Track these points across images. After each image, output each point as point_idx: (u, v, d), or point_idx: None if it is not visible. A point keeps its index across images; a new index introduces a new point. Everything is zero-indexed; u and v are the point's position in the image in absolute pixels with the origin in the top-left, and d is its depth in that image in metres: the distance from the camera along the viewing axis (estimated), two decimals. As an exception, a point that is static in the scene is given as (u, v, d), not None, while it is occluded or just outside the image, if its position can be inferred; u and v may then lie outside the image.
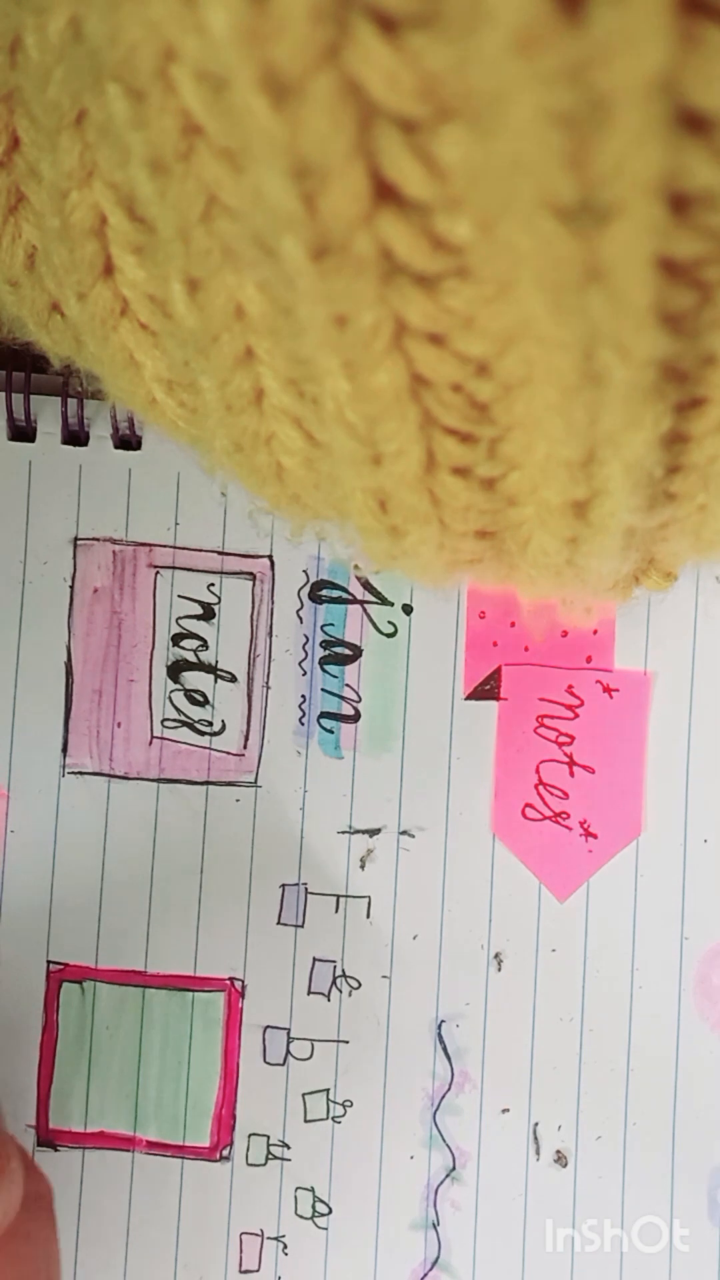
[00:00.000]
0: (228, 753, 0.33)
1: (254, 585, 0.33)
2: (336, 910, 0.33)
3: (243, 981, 0.33)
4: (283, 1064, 0.33)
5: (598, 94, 0.13)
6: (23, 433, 0.33)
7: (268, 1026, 0.33)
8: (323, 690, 0.33)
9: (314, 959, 0.33)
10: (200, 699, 0.33)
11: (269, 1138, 0.33)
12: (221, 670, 0.33)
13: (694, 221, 0.15)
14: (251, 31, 0.13)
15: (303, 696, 0.33)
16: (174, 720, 0.33)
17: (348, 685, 0.33)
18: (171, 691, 0.33)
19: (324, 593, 0.33)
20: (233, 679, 0.33)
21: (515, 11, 0.12)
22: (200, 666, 0.33)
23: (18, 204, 0.21)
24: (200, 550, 0.33)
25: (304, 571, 0.33)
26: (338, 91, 0.14)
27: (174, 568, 0.33)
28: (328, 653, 0.33)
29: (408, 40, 0.13)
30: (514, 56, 0.13)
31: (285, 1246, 0.32)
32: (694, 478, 0.20)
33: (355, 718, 0.33)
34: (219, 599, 0.33)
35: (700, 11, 0.13)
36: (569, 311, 0.15)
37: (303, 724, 0.33)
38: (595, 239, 0.14)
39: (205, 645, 0.33)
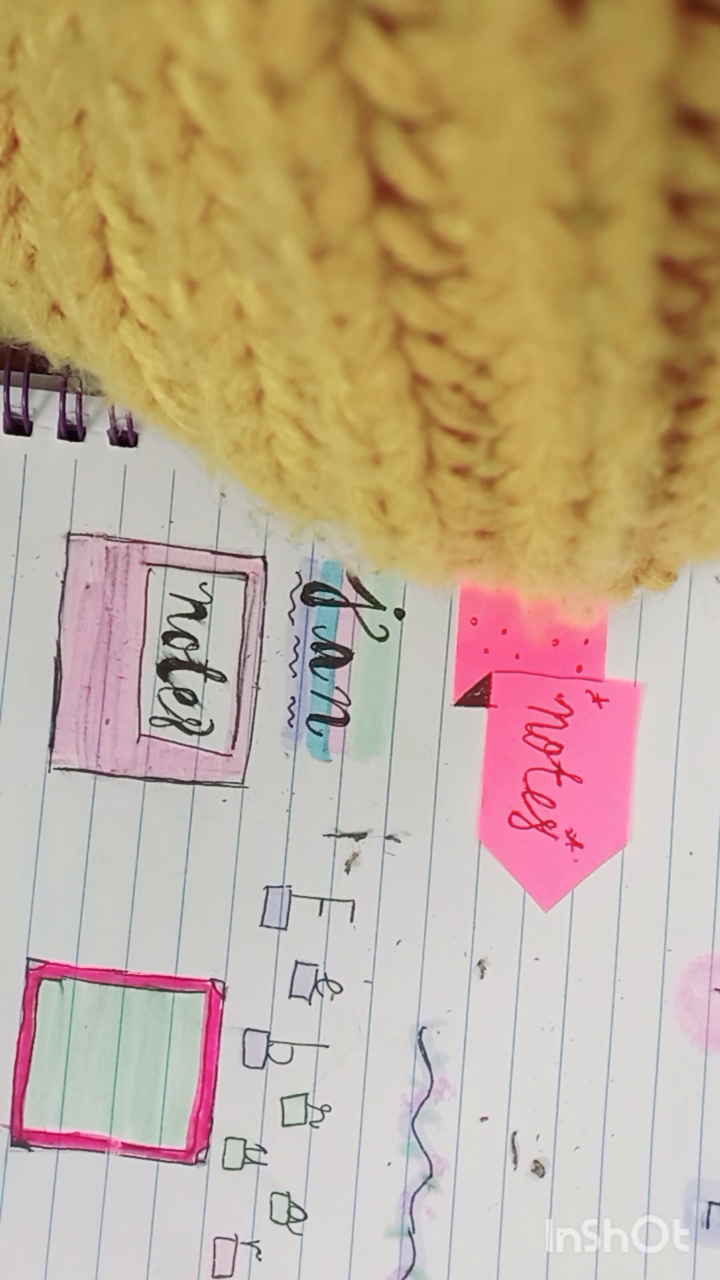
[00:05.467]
0: (215, 752, 0.33)
1: (246, 585, 0.33)
2: (320, 913, 0.33)
3: (224, 983, 0.33)
4: (262, 1067, 0.33)
5: (597, 94, 0.13)
6: (19, 427, 0.33)
7: (248, 1029, 0.33)
8: (312, 692, 0.33)
9: (296, 962, 0.33)
10: (189, 698, 0.33)
11: (246, 1141, 0.33)
12: (211, 670, 0.33)
13: (694, 221, 0.15)
14: (251, 32, 0.13)
15: (292, 698, 0.33)
16: (162, 719, 0.33)
17: (338, 688, 0.33)
18: (161, 690, 0.33)
19: (316, 595, 0.33)
20: (222, 679, 0.33)
21: (515, 12, 0.12)
22: (190, 665, 0.33)
23: (17, 204, 0.21)
24: (193, 549, 0.33)
25: (297, 573, 0.33)
26: (337, 92, 0.14)
27: (167, 565, 0.33)
28: (318, 655, 0.33)
29: (407, 40, 0.13)
30: (514, 56, 0.13)
31: (259, 1252, 0.32)
32: (694, 477, 0.19)
33: (344, 721, 0.33)
34: (211, 598, 0.33)
35: (700, 11, 0.13)
36: (569, 312, 0.15)
37: (291, 726, 0.33)
38: (595, 239, 0.14)
39: (196, 644, 0.33)
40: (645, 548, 0.23)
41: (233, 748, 0.33)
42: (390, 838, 0.33)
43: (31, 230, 0.22)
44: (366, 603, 0.33)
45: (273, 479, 0.22)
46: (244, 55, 0.14)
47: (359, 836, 0.33)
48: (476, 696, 0.33)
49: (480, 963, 0.33)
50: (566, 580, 0.23)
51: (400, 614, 0.33)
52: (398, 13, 0.13)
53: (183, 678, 0.33)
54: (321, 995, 0.33)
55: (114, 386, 0.23)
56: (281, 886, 0.33)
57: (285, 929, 0.33)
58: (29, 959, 0.33)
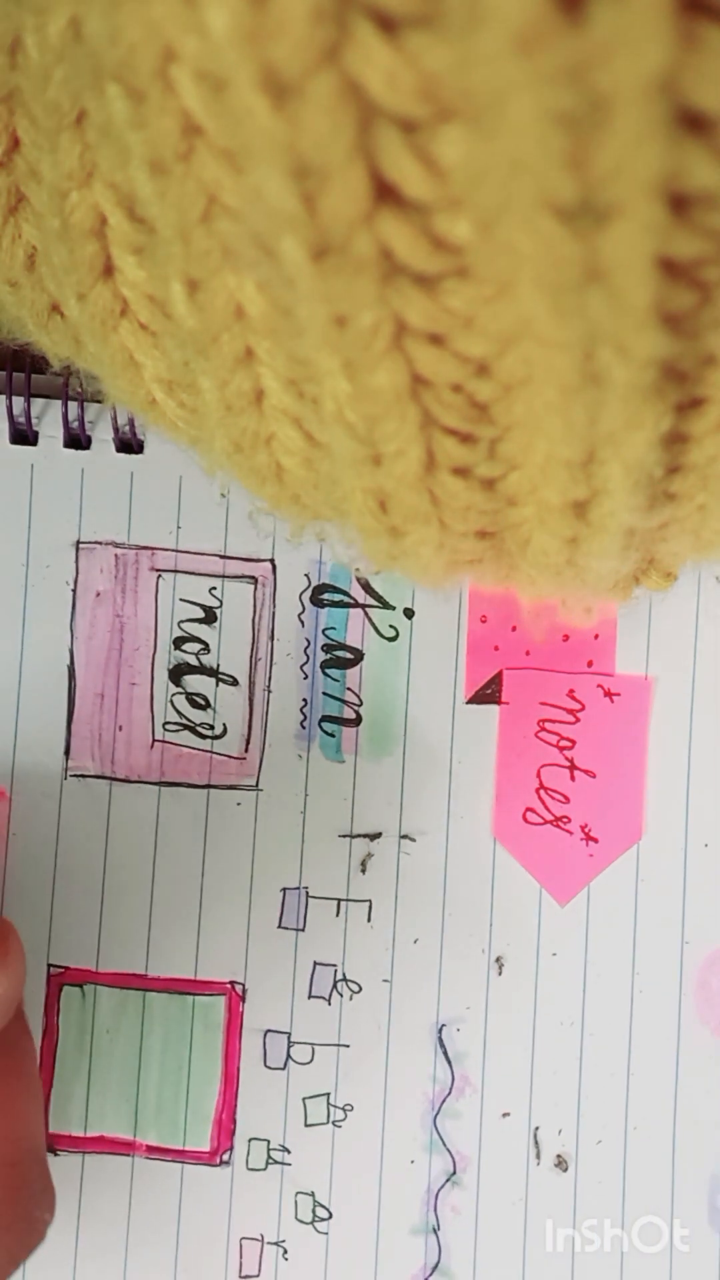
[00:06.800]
0: (229, 756, 0.33)
1: (255, 589, 0.33)
2: (337, 914, 0.33)
3: (243, 985, 0.33)
4: (283, 1068, 0.33)
5: (598, 94, 0.13)
6: (24, 436, 0.33)
7: (268, 1030, 0.33)
8: (324, 694, 0.33)
9: (315, 963, 0.33)
10: (201, 702, 0.33)
11: (269, 1142, 0.33)
12: (223, 674, 0.33)
13: (694, 221, 0.15)
14: (252, 32, 0.13)
15: (304, 700, 0.33)
16: (175, 724, 0.33)
17: (349, 689, 0.33)
18: (173, 695, 0.33)
19: (325, 596, 0.33)
20: (234, 682, 0.33)
21: (515, 11, 0.12)
22: (202, 670, 0.33)
23: (18, 205, 0.21)
24: (202, 554, 0.33)
25: (305, 575, 0.33)
26: (338, 92, 0.14)
27: (176, 571, 0.33)
28: (329, 656, 0.33)
29: (408, 40, 0.13)
30: (514, 56, 0.13)
31: (285, 1251, 0.32)
32: (694, 478, 0.20)
33: (356, 721, 0.33)
34: (220, 602, 0.33)
35: (700, 11, 0.13)
36: (569, 312, 0.15)
37: (304, 728, 0.33)
38: (595, 239, 0.14)
39: (207, 648, 0.33)
40: (645, 548, 0.23)
41: (246, 751, 0.33)
42: (405, 837, 0.33)
43: (32, 230, 0.22)
44: (376, 603, 0.33)
45: (273, 479, 0.23)
46: (244, 55, 0.14)
47: (374, 836, 0.33)
48: (488, 694, 0.33)
49: (498, 959, 0.33)
50: (567, 580, 0.23)
51: (410, 613, 0.33)
52: (398, 12, 0.13)
53: (195, 682, 0.33)
54: (341, 995, 0.33)
55: (114, 387, 0.23)
56: (298, 888, 0.33)
57: (303, 930, 0.33)
58: (50, 965, 0.33)
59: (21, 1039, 0.28)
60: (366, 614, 0.33)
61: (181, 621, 0.33)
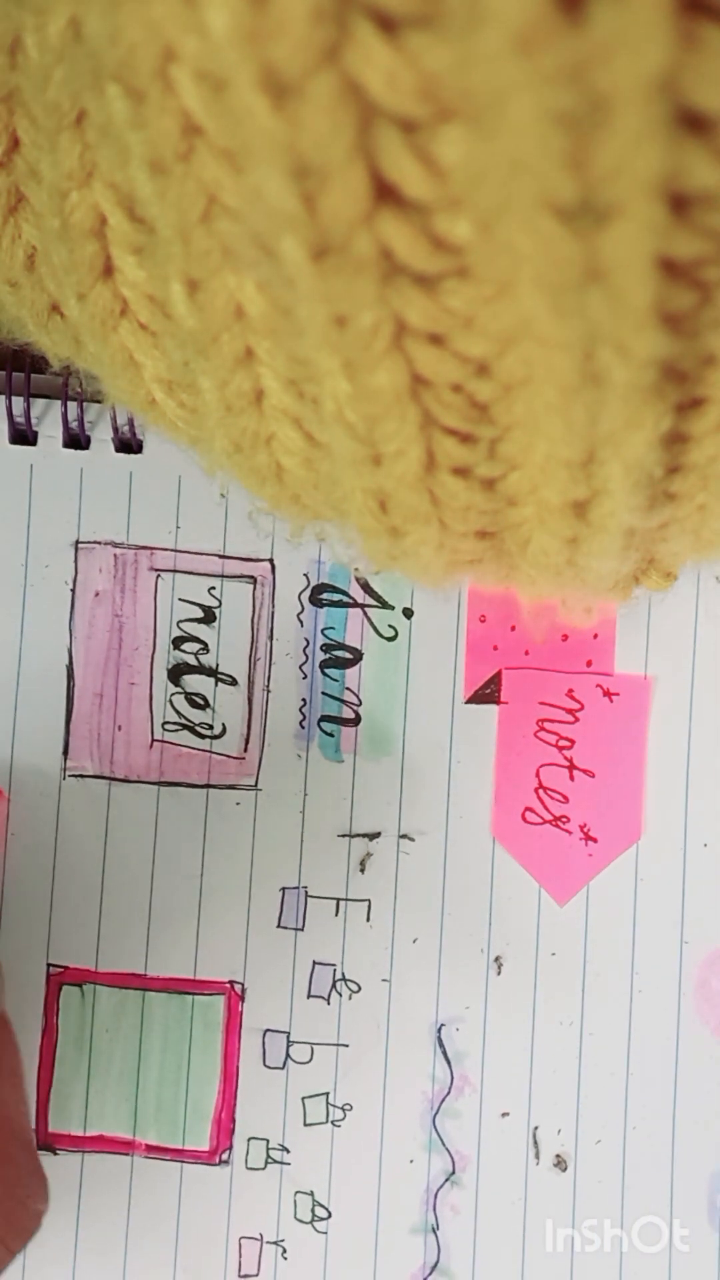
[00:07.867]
0: (228, 756, 0.33)
1: (255, 589, 0.33)
2: (336, 914, 0.33)
3: (242, 985, 0.33)
4: (282, 1067, 0.33)
5: (598, 94, 0.13)
6: (24, 436, 0.33)
7: (267, 1030, 0.33)
8: (323, 694, 0.33)
9: (314, 962, 0.33)
10: (201, 702, 0.33)
11: (268, 1141, 0.33)
12: (222, 673, 0.33)
13: (694, 221, 0.15)
14: (252, 32, 0.13)
15: (303, 700, 0.33)
16: (174, 723, 0.33)
17: (348, 689, 0.33)
18: (172, 694, 0.33)
19: (324, 596, 0.33)
20: (233, 682, 0.33)
21: (515, 11, 0.13)
22: (201, 670, 0.33)
23: (18, 205, 0.21)
24: (201, 554, 0.33)
25: (304, 575, 0.33)
26: (338, 92, 0.14)
27: (175, 571, 0.33)
28: (328, 656, 0.33)
29: (408, 40, 0.13)
30: (514, 56, 0.13)
31: (284, 1251, 0.32)
32: (694, 478, 0.20)
33: (355, 721, 0.33)
34: (220, 602, 0.33)
35: (700, 11, 0.13)
36: (569, 312, 0.16)
37: (303, 727, 0.33)
38: (595, 239, 0.14)
39: (206, 648, 0.33)
40: (645, 548, 0.23)
41: (245, 751, 0.33)
42: (404, 836, 0.33)
43: (31, 230, 0.22)
44: (375, 603, 0.33)
45: (273, 479, 0.23)
46: (244, 55, 0.14)
47: (373, 836, 0.33)
48: (487, 694, 0.33)
49: (497, 959, 0.33)
50: (567, 581, 0.23)
51: (409, 613, 0.33)
52: (398, 12, 0.13)
53: (194, 682, 0.33)
54: (340, 995, 0.33)
55: (114, 387, 0.24)
56: (297, 888, 0.33)
57: (302, 930, 0.33)
58: (49, 965, 0.33)
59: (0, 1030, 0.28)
60: (365, 614, 0.33)
61: (180, 621, 0.33)
